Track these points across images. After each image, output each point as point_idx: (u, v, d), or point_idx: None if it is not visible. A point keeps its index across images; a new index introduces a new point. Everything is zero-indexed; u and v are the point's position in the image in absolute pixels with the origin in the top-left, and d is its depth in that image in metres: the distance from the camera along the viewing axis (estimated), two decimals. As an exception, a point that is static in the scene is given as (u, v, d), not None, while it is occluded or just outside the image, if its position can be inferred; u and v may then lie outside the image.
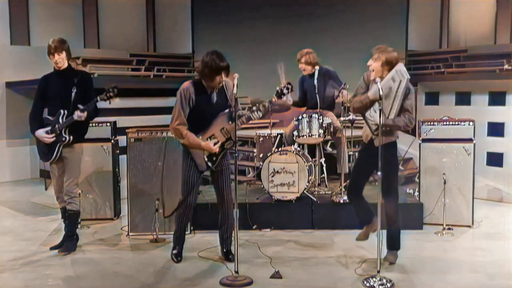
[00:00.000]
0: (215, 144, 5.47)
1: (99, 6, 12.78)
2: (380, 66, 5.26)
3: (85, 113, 5.81)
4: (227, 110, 5.53)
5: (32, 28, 11.50)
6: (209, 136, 5.50)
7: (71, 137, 5.91)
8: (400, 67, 5.27)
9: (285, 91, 5.44)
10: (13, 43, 11.12)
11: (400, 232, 5.57)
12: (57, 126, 5.85)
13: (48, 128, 5.89)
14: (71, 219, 6.10)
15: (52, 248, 6.11)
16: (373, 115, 5.26)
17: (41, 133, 5.89)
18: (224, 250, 5.79)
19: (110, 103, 5.94)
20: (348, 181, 7.17)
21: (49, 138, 5.88)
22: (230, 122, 5.45)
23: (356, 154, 8.83)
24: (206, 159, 5.52)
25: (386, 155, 5.12)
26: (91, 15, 12.61)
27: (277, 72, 6.79)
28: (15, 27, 11.22)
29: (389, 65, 5.25)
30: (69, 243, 6.08)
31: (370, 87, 5.36)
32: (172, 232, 6.37)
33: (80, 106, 5.81)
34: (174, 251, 5.78)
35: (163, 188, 6.61)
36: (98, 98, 5.83)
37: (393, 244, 5.54)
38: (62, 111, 5.86)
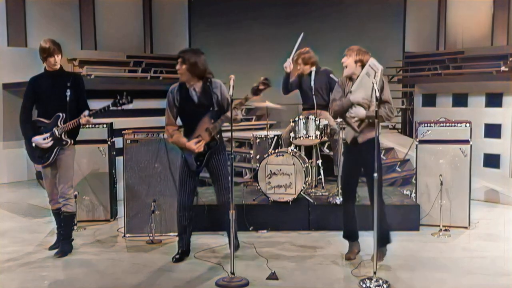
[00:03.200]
0: (196, 143, 5.50)
1: (96, 8, 12.77)
2: (353, 62, 5.43)
3: (92, 118, 5.83)
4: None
5: (29, 29, 11.49)
6: (197, 136, 5.55)
7: (71, 140, 5.90)
8: (372, 60, 5.35)
9: (261, 87, 5.38)
10: (10, 44, 11.11)
11: (389, 229, 5.57)
12: (55, 129, 5.80)
13: (47, 134, 5.81)
14: (67, 221, 6.07)
15: (51, 248, 6.14)
16: (355, 110, 5.41)
17: (38, 139, 5.81)
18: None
19: (122, 108, 5.96)
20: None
21: (47, 144, 5.82)
22: (212, 121, 5.50)
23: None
24: (194, 159, 5.59)
25: (370, 151, 5.14)
26: (88, 16, 12.60)
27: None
28: (12, 28, 11.20)
29: (361, 62, 5.40)
30: (65, 245, 6.06)
31: (345, 89, 5.50)
32: (169, 234, 6.44)
33: (86, 112, 5.80)
34: (176, 254, 5.77)
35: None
36: (110, 105, 5.83)
37: (381, 240, 5.50)
38: (61, 115, 5.82)
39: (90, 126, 7.20)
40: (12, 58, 10.75)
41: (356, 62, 5.42)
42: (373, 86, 5.12)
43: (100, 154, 7.39)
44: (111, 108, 5.86)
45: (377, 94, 5.04)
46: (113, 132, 7.54)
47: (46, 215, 7.59)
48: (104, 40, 12.83)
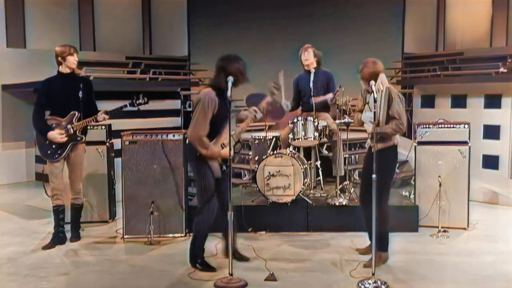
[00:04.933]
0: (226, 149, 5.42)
1: (95, 9, 12.78)
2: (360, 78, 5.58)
3: (108, 116, 6.38)
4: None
5: (28, 31, 11.50)
6: (223, 142, 5.40)
7: (84, 137, 6.43)
8: (381, 77, 5.49)
9: (274, 91, 5.50)
10: (9, 46, 11.11)
11: (388, 234, 5.58)
12: (69, 126, 6.28)
13: (62, 130, 6.26)
14: (78, 211, 6.65)
15: (45, 248, 6.26)
16: (366, 126, 5.68)
17: (55, 134, 6.24)
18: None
19: (139, 109, 6.47)
20: (344, 183, 7.25)
21: (62, 139, 6.26)
22: (237, 125, 5.48)
23: (352, 156, 8.93)
24: (219, 166, 5.43)
25: (381, 160, 5.22)
26: (87, 18, 12.61)
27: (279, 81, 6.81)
28: (11, 30, 11.21)
29: (363, 79, 5.51)
30: (78, 232, 6.66)
31: (366, 98, 5.67)
32: (167, 235, 6.41)
33: (103, 110, 6.35)
34: (198, 262, 5.54)
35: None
36: (128, 104, 6.36)
37: (380, 245, 5.52)
38: (76, 113, 6.32)
39: (89, 127, 7.23)
40: (11, 59, 10.74)
41: (362, 78, 5.52)
42: (374, 102, 5.19)
43: (98, 156, 7.38)
44: (128, 107, 6.40)
45: (375, 96, 5.16)
46: (112, 133, 7.54)
47: (45, 216, 7.60)
48: (103, 41, 12.84)
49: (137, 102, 6.39)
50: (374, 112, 5.16)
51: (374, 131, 5.22)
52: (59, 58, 6.34)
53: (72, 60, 6.36)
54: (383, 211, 5.45)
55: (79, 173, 6.50)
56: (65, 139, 6.27)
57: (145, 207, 6.53)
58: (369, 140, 5.77)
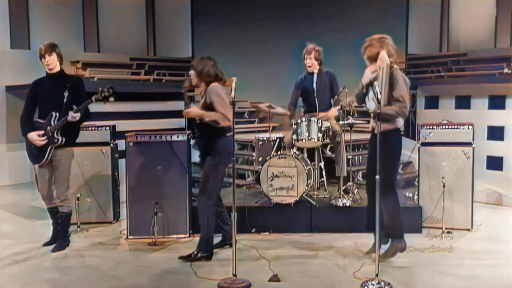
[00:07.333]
0: None
1: (99, 10, 12.80)
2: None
3: (79, 114, 5.95)
4: None
5: (33, 32, 11.53)
6: None
7: (63, 139, 6.04)
8: (382, 54, 5.43)
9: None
10: (13, 47, 11.14)
11: (400, 221, 5.61)
12: (49, 128, 5.97)
13: (41, 132, 5.99)
14: (64, 220, 6.30)
15: (46, 244, 6.35)
16: (367, 103, 5.56)
17: (33, 135, 6.00)
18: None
19: (105, 103, 6.13)
20: (347, 184, 7.25)
21: (41, 141, 5.99)
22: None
23: (355, 157, 8.92)
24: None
25: (385, 143, 5.15)
26: (91, 19, 12.63)
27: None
28: (15, 31, 11.24)
29: (368, 58, 5.52)
30: (62, 241, 6.31)
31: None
32: (171, 236, 6.45)
33: (74, 107, 5.95)
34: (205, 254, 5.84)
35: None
36: (93, 99, 5.98)
37: (392, 232, 5.58)
38: (54, 114, 5.99)
39: (93, 128, 7.28)
40: (15, 61, 10.77)
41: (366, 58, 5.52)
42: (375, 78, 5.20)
43: (102, 156, 7.39)
44: (94, 101, 5.99)
45: (377, 90, 5.12)
46: (116, 134, 7.55)
47: (48, 217, 7.59)
48: (107, 43, 12.86)
49: (102, 95, 5.96)
50: (376, 92, 5.10)
51: (377, 110, 5.10)
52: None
53: (44, 63, 6.07)
54: (390, 198, 5.43)
55: (63, 179, 6.14)
56: (44, 142, 5.99)
57: (149, 208, 6.54)
58: (371, 121, 5.67)
